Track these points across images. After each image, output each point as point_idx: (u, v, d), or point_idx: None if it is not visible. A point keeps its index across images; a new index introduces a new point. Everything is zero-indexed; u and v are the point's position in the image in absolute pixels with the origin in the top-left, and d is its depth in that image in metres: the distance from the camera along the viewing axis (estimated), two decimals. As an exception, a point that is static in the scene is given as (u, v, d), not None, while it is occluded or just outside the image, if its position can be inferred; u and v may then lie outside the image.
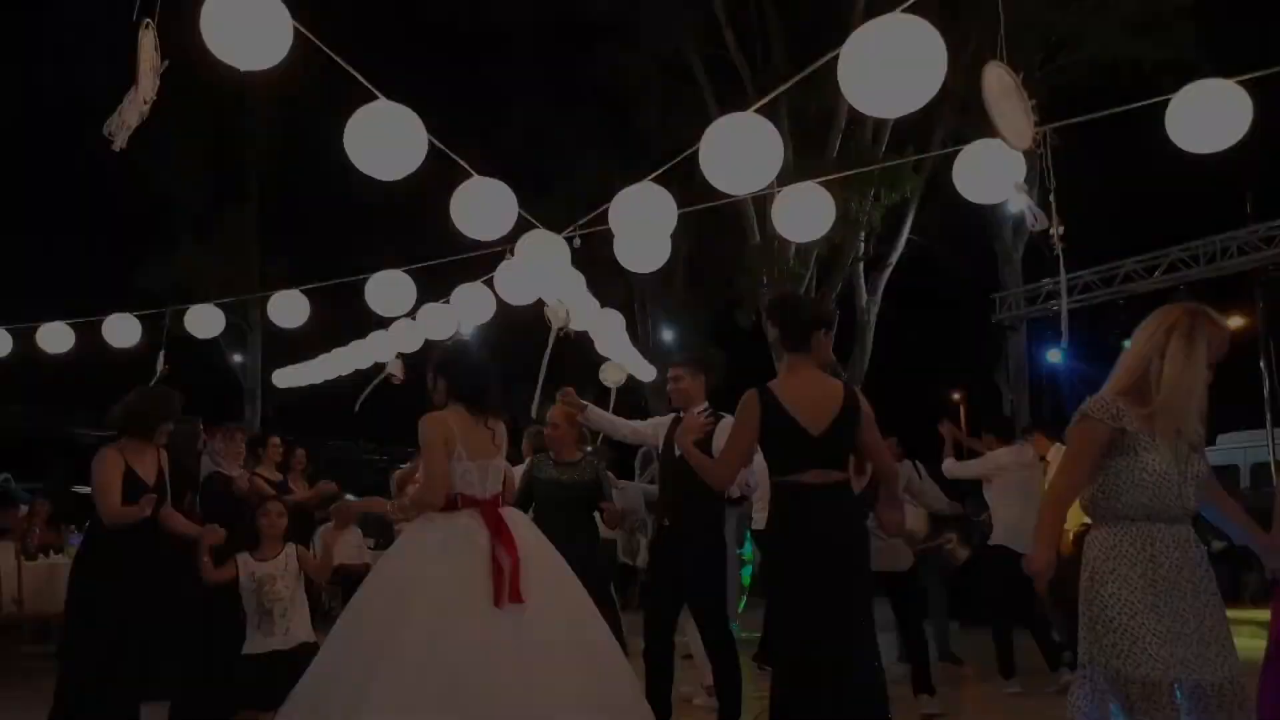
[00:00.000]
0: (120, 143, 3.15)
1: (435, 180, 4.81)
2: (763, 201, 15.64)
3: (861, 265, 16.93)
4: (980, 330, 14.08)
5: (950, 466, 6.92)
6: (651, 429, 5.18)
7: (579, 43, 18.44)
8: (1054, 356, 12.99)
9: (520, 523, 3.67)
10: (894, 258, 16.83)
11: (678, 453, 4.60)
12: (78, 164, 18.79)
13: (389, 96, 4.12)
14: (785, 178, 13.70)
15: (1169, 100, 4.39)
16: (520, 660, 3.23)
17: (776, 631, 3.78)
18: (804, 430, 3.47)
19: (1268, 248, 9.82)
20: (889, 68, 3.10)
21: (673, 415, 4.94)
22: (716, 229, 17.78)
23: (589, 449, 5.64)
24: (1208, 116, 4.33)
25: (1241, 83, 4.41)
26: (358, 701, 3.09)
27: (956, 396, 24.52)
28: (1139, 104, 4.64)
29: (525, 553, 3.45)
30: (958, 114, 14.11)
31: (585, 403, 5.09)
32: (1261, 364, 12.14)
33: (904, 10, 4.46)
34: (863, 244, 16.35)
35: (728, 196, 4.69)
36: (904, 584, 6.11)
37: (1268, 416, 11.46)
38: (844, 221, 14.06)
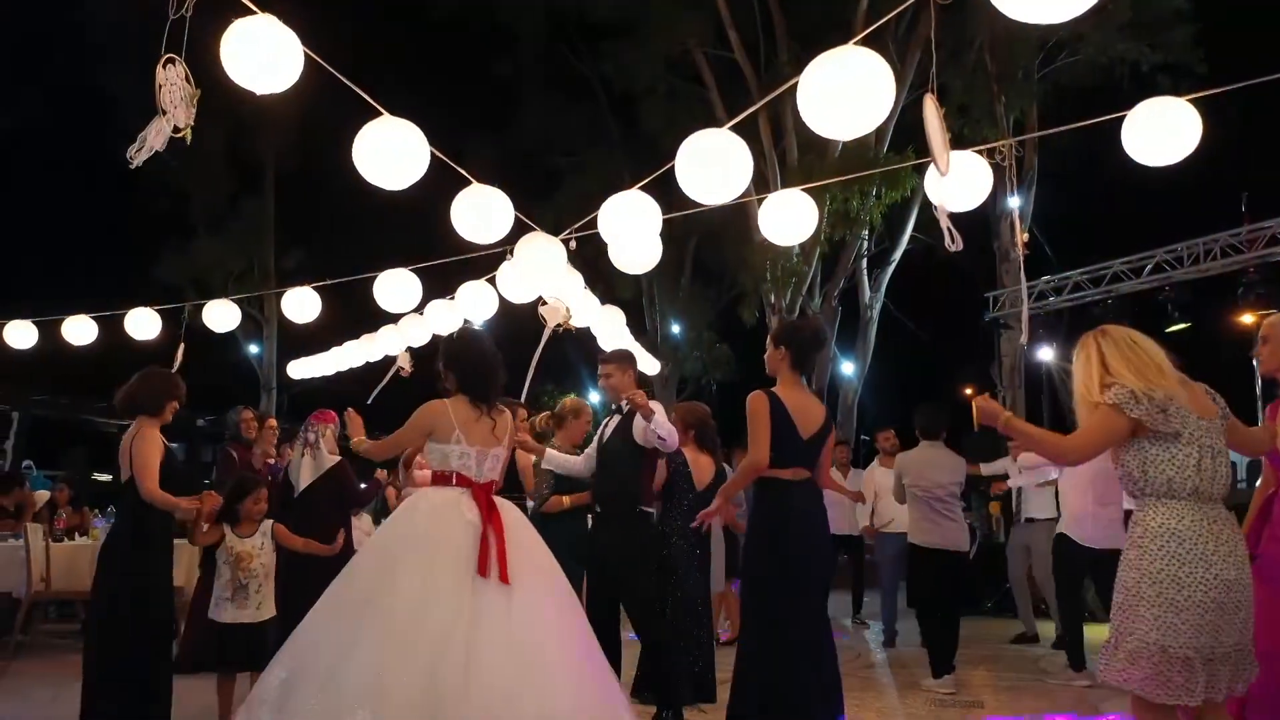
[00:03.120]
0: (139, 162, 3.44)
1: (441, 183, 5.10)
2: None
3: (864, 262, 17.21)
4: (981, 327, 14.29)
5: (1024, 459, 6.82)
6: (595, 446, 5.47)
7: (586, 42, 18.68)
8: (1044, 355, 13.19)
9: (510, 511, 3.78)
10: (896, 255, 17.08)
11: (604, 444, 5.15)
12: (99, 160, 19.16)
13: (396, 96, 4.46)
14: (790, 177, 13.95)
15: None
16: (511, 638, 3.34)
17: (752, 610, 4.04)
18: (799, 434, 3.96)
19: (1250, 250, 10.02)
20: (844, 92, 3.39)
21: (612, 412, 5.31)
22: (724, 226, 18.07)
23: None
24: (1159, 132, 4.57)
25: (1227, 91, 4.68)
26: (343, 661, 3.23)
27: (969, 392, 24.69)
28: (1099, 119, 4.90)
29: (512, 539, 3.60)
30: (956, 115, 14.35)
31: (543, 447, 5.43)
32: (1254, 361, 12.37)
33: (902, 10, 4.74)
34: (865, 242, 16.61)
35: (742, 198, 4.99)
36: (957, 564, 6.36)
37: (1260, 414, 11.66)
38: (847, 220, 14.32)
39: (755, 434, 3.97)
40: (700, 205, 4.83)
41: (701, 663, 5.56)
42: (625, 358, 5.47)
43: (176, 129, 3.25)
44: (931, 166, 4.25)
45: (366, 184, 4.51)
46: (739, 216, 15.90)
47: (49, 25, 18.91)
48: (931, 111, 3.42)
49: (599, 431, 5.42)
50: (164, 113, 3.22)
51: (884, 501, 8.30)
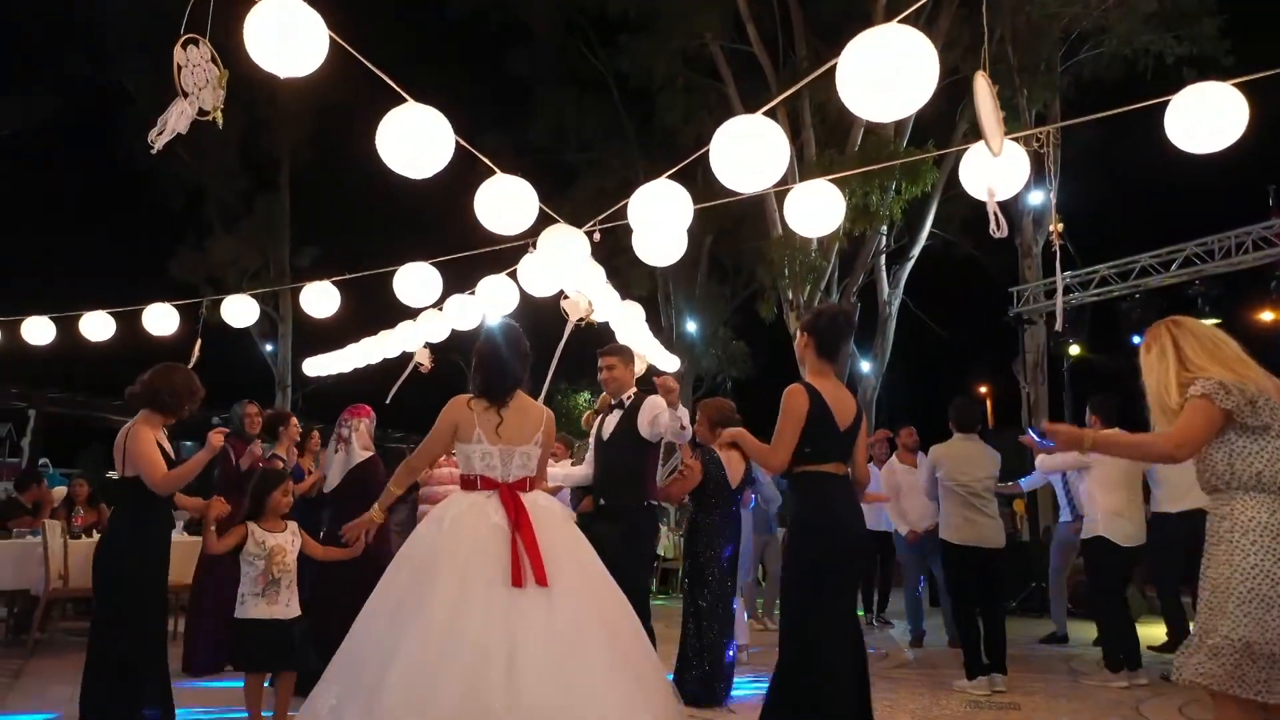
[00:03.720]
0: (160, 146, 3.31)
1: (461, 176, 5.00)
2: (785, 196, 15.73)
3: (883, 258, 17.06)
4: (1000, 323, 14.12)
5: (1045, 462, 6.55)
6: (593, 443, 5.41)
7: (601, 37, 18.58)
8: (1074, 349, 13.01)
9: (545, 507, 3.65)
10: (915, 251, 16.93)
11: (606, 439, 5.13)
12: (115, 156, 19.17)
13: (415, 92, 4.35)
14: (808, 172, 13.87)
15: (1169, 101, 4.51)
16: (554, 644, 3.22)
17: (790, 605, 3.94)
18: (836, 426, 3.83)
19: (1280, 243, 9.82)
20: (883, 76, 3.26)
21: (612, 405, 5.26)
22: (740, 222, 17.97)
23: None
24: (1205, 119, 4.43)
25: (1256, 80, 4.53)
26: (383, 675, 3.15)
27: (983, 390, 24.51)
28: (1139, 105, 4.75)
29: (549, 538, 3.47)
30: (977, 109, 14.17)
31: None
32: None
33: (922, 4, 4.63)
34: (884, 237, 16.47)
35: (754, 194, 4.89)
36: (993, 562, 6.14)
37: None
38: (866, 215, 14.17)
39: (782, 431, 3.81)
40: (730, 194, 4.73)
41: (711, 664, 5.47)
42: (627, 351, 5.43)
43: (203, 111, 3.14)
44: (976, 149, 4.15)
45: (381, 181, 4.43)
46: (757, 212, 15.81)
47: (65, 22, 18.93)
48: (984, 90, 3.30)
49: (596, 427, 5.35)
50: (185, 94, 3.11)
51: (906, 499, 8.18)
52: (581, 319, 6.66)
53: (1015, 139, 4.84)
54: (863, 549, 4.01)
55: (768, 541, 9.35)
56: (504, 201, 5.02)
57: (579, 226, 6.20)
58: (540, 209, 5.28)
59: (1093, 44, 14.86)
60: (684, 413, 4.94)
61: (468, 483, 3.67)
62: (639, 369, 8.90)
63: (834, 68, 3.99)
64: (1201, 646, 2.80)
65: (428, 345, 8.46)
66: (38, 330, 8.29)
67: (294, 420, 6.75)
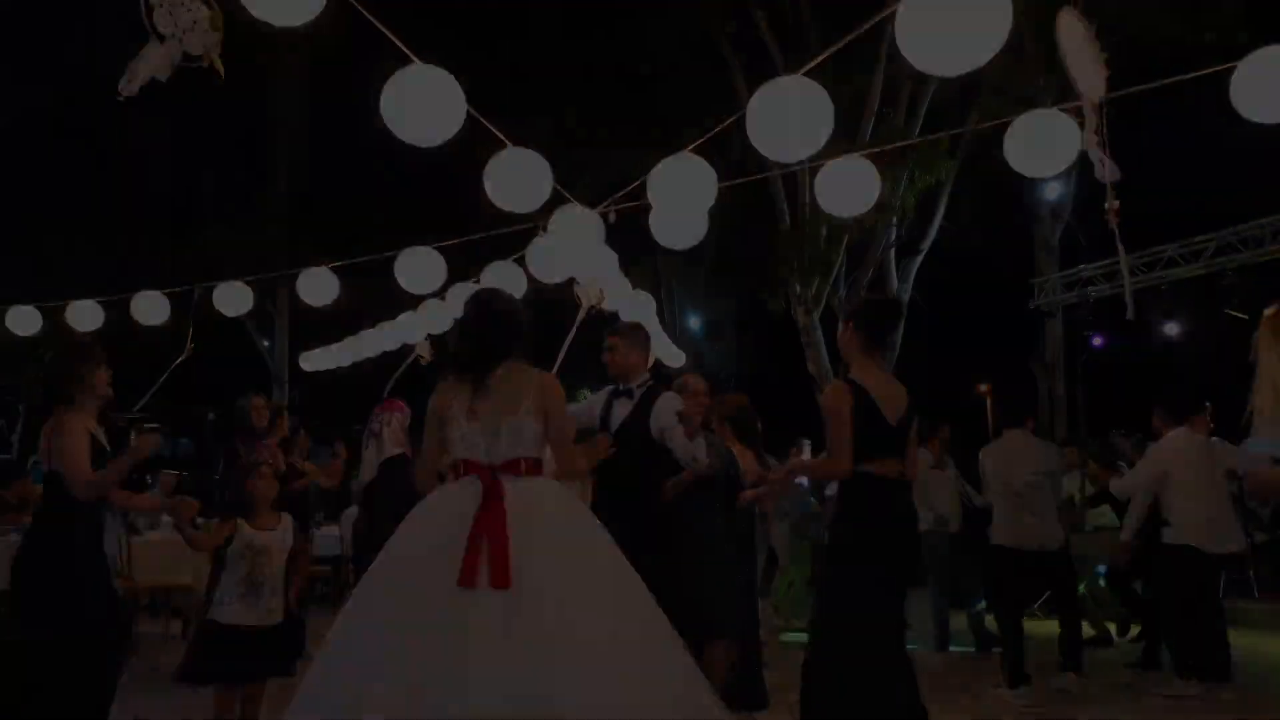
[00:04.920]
0: (129, 93, 2.89)
1: (466, 157, 4.69)
2: (793, 185, 15.39)
3: (893, 251, 16.70)
4: (1013, 318, 13.83)
5: (1121, 485, 6.27)
6: (586, 406, 4.98)
7: (602, 20, 18.23)
8: (1098, 342, 12.74)
9: (535, 494, 3.13)
10: (926, 244, 16.58)
11: (613, 431, 4.61)
12: (108, 147, 18.88)
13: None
14: (816, 159, 13.52)
15: (1224, 77, 4.27)
16: (514, 653, 2.77)
17: (836, 612, 3.71)
18: (886, 421, 3.65)
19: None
20: (952, 21, 2.93)
21: (609, 390, 4.80)
22: (745, 213, 17.60)
23: None
24: (1274, 85, 4.14)
25: None
26: (333, 678, 2.91)
27: (984, 388, 24.26)
28: (1204, 71, 4.45)
29: (538, 532, 3.00)
30: (992, 98, 13.89)
31: None
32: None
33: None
34: (895, 229, 16.12)
35: (756, 176, 4.62)
36: (1049, 565, 5.92)
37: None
38: (876, 206, 13.83)
39: (837, 437, 3.63)
40: (753, 176, 4.42)
41: (745, 666, 5.16)
42: (636, 333, 4.88)
43: (190, 57, 2.76)
44: (1021, 121, 3.83)
45: (382, 177, 4.13)
46: (767, 201, 15.51)
47: (60, 11, 18.64)
48: (1076, 27, 2.97)
49: (600, 414, 4.88)
50: (161, 38, 2.74)
51: (933, 497, 7.89)
52: (593, 306, 6.30)
53: (1064, 109, 4.57)
54: (917, 548, 3.85)
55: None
56: (515, 176, 4.69)
57: (584, 215, 5.85)
58: (554, 188, 4.98)
59: (1109, 31, 14.53)
60: (701, 444, 4.48)
61: (454, 470, 3.26)
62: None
63: (857, 49, 3.67)
64: None
65: (429, 337, 8.13)
66: (23, 320, 7.97)
67: (284, 417, 6.47)
